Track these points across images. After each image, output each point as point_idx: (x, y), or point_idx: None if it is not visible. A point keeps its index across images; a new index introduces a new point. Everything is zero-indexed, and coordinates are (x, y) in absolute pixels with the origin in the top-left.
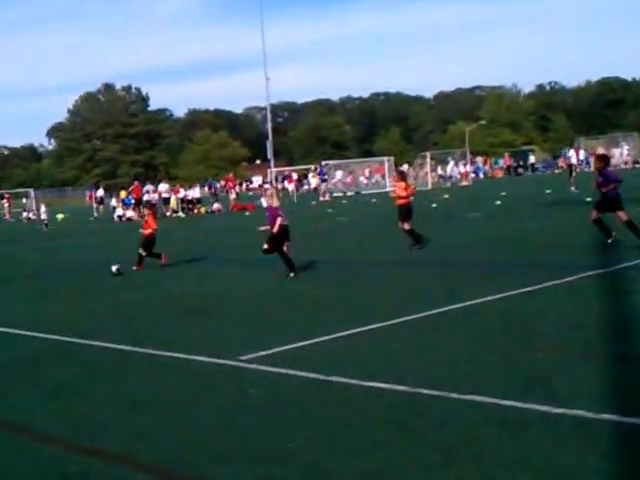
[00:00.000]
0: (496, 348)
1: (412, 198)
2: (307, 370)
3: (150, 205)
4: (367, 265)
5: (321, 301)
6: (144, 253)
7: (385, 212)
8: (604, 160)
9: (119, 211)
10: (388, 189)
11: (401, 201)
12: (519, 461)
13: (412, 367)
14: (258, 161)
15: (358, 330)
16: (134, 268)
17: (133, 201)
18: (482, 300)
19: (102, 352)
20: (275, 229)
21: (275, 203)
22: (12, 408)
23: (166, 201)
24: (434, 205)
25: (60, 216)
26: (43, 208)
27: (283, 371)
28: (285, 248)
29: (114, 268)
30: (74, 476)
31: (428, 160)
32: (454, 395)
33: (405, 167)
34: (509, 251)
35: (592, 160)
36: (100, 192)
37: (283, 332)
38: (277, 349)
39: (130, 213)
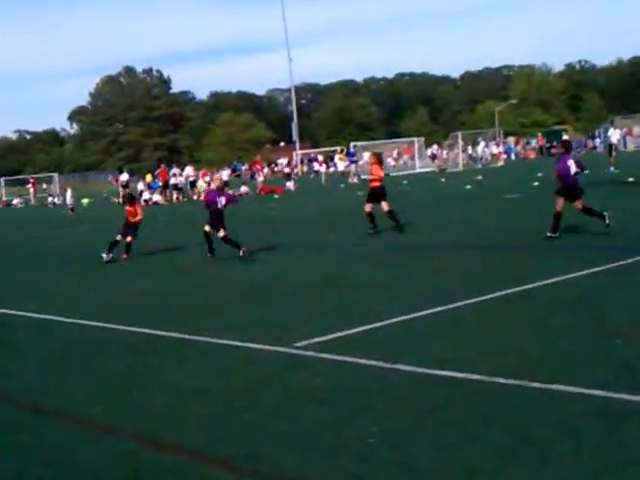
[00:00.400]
0: (570, 333)
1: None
2: (369, 357)
3: (130, 196)
4: (414, 248)
5: (373, 286)
6: (130, 239)
7: (419, 194)
8: (565, 146)
9: (146, 195)
10: (417, 170)
11: (375, 183)
12: (625, 458)
13: (484, 354)
14: (282, 143)
15: (417, 315)
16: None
17: (160, 184)
18: (544, 283)
19: (150, 339)
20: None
21: (214, 186)
22: (70, 400)
23: (193, 184)
24: (468, 187)
25: (85, 201)
26: (69, 193)
27: (343, 359)
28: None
29: (104, 255)
30: (148, 472)
31: (459, 141)
32: (536, 384)
33: (435, 148)
34: (560, 232)
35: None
36: (124, 176)
37: (336, 318)
38: (332, 335)
39: (157, 197)
